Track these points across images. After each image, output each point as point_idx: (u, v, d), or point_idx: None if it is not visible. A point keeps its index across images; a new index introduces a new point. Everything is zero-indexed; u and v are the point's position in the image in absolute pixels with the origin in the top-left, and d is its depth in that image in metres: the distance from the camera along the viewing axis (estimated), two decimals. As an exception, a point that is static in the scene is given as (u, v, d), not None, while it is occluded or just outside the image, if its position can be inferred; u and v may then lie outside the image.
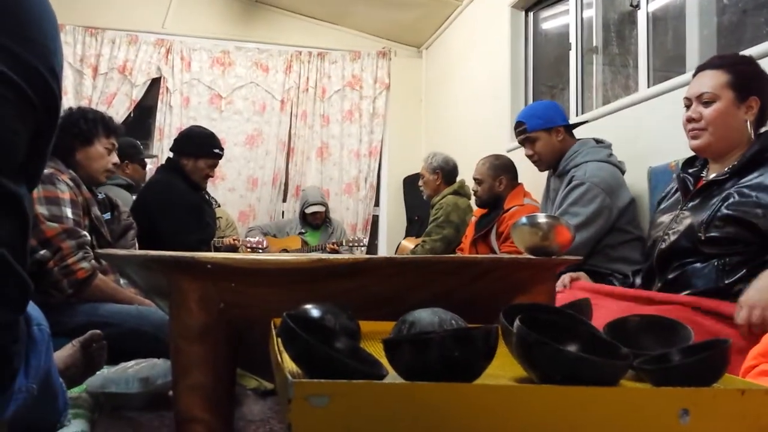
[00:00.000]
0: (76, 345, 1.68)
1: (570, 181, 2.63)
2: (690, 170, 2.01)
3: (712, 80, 1.89)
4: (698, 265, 1.83)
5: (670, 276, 1.90)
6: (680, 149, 2.06)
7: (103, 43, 5.40)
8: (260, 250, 4.61)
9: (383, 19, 5.64)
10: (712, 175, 1.91)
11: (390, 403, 0.80)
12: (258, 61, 5.77)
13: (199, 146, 3.53)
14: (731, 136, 1.87)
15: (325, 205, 5.14)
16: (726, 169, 1.86)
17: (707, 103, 1.87)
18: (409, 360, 0.87)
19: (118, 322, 2.20)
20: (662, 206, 2.07)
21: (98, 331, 1.74)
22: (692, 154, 2.03)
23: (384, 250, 5.85)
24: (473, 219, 3.65)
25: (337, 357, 0.85)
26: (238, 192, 5.66)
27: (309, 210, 5.06)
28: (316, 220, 5.11)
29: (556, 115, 2.85)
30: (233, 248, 4.49)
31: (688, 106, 1.93)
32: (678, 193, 2.00)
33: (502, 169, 3.46)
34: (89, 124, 2.47)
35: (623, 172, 2.69)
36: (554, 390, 0.84)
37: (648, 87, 3.05)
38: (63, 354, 1.62)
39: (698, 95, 1.89)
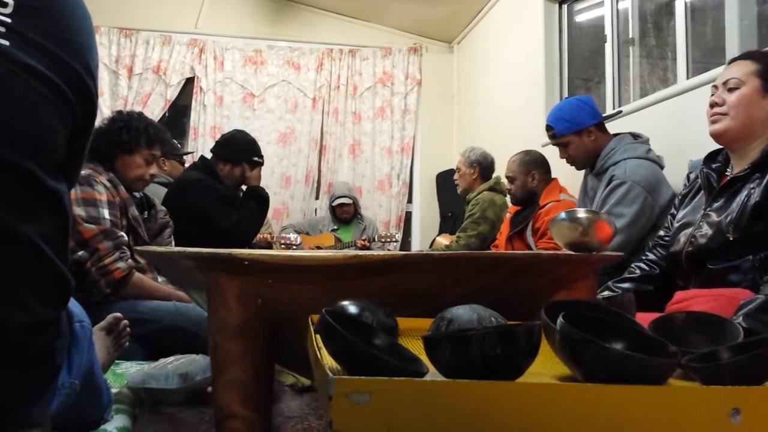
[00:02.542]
0: (98, 332, 1.69)
1: (610, 181, 2.58)
2: (713, 165, 1.96)
3: (741, 68, 1.87)
4: (733, 263, 1.78)
5: (706, 276, 1.85)
6: (721, 142, 2.02)
7: (137, 44, 5.47)
8: (294, 247, 4.63)
9: (414, 14, 5.62)
10: (735, 172, 1.86)
11: (431, 401, 0.79)
12: (290, 59, 5.79)
13: (242, 153, 3.49)
14: (752, 125, 1.83)
15: (352, 198, 5.14)
16: (747, 165, 1.81)
17: (732, 90, 1.84)
18: (450, 357, 0.86)
19: (157, 319, 2.23)
20: (684, 206, 2.02)
21: (118, 314, 1.75)
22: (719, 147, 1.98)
23: (417, 247, 5.83)
24: (508, 215, 3.61)
25: (377, 354, 0.84)
26: (271, 190, 5.66)
27: (335, 203, 5.09)
28: (344, 214, 5.12)
29: (584, 115, 2.79)
30: (268, 244, 4.52)
31: (713, 94, 1.90)
32: (701, 191, 1.95)
33: (533, 165, 3.42)
34: (132, 134, 2.46)
35: (662, 168, 2.64)
36: (600, 389, 0.82)
37: (687, 79, 2.98)
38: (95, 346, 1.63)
39: (724, 81, 1.87)
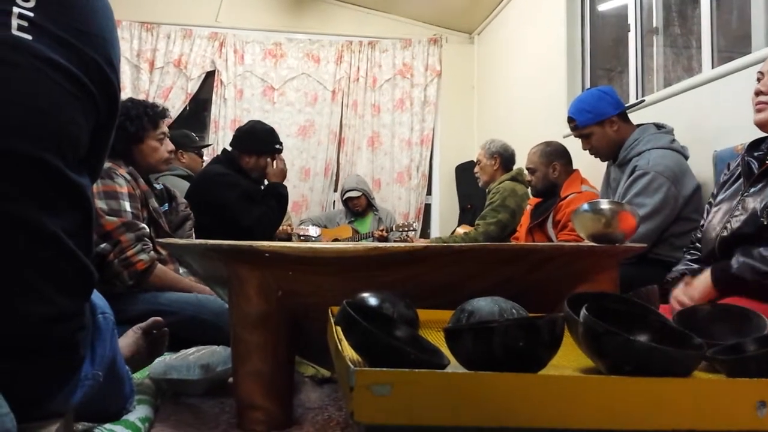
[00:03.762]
0: (138, 332, 1.71)
1: (633, 171, 2.55)
2: (755, 153, 1.92)
3: None
4: (763, 250, 1.75)
5: None
6: (746, 132, 1.97)
7: (158, 38, 5.49)
8: (313, 239, 4.64)
9: (434, 5, 5.58)
10: None
11: (453, 392, 0.78)
12: (309, 52, 5.78)
13: (264, 144, 3.51)
14: None
15: (362, 190, 5.12)
16: None
17: None
18: (472, 349, 0.85)
19: (178, 310, 2.24)
20: (723, 191, 1.99)
21: (159, 318, 1.77)
22: (758, 136, 1.94)
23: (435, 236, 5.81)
24: (528, 207, 3.59)
25: (399, 346, 0.84)
26: (291, 182, 5.67)
27: (345, 196, 5.10)
28: (356, 207, 5.12)
29: (606, 105, 2.76)
30: (288, 236, 4.54)
31: (759, 80, 1.85)
32: (741, 179, 1.92)
33: (554, 156, 3.38)
34: (135, 123, 2.46)
35: (687, 158, 2.60)
36: (624, 381, 0.81)
37: (712, 68, 2.93)
38: (126, 341, 1.65)
39: None
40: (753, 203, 1.78)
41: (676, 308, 1.76)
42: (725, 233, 1.85)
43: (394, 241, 4.70)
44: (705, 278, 1.80)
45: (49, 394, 1.02)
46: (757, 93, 1.83)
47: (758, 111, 1.83)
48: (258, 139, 3.52)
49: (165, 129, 2.59)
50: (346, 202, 5.15)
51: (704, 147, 2.63)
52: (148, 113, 2.52)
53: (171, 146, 2.61)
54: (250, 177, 3.50)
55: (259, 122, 3.75)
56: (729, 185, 1.97)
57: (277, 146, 3.56)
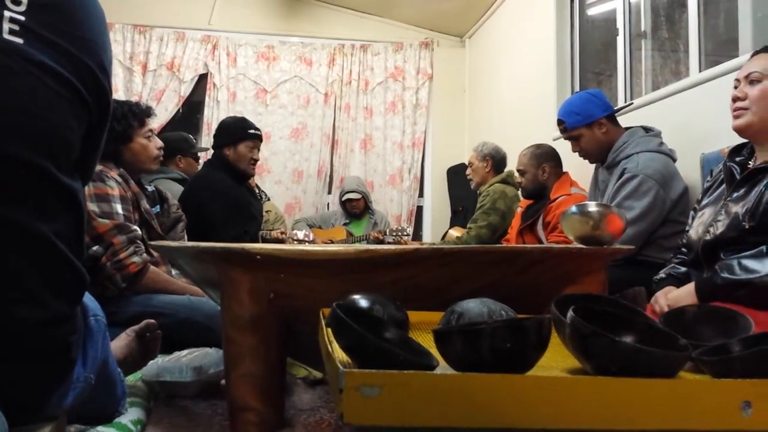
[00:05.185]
0: (131, 334, 1.72)
1: (622, 174, 2.57)
2: (737, 158, 1.95)
3: (763, 62, 1.84)
4: (744, 260, 1.77)
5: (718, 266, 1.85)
6: (733, 135, 1.99)
7: (151, 41, 5.48)
8: (307, 243, 4.64)
9: (426, 9, 5.60)
10: (757, 163, 1.85)
11: (442, 394, 0.79)
12: (302, 55, 5.79)
13: (234, 131, 3.51)
14: None
15: (362, 193, 5.15)
16: None
17: (754, 83, 1.82)
18: (461, 351, 0.86)
19: (171, 313, 2.25)
20: (706, 197, 2.01)
21: (153, 321, 1.77)
22: (743, 140, 1.97)
23: (428, 241, 5.83)
24: (519, 209, 3.61)
25: (388, 347, 0.85)
26: (284, 185, 5.71)
27: (344, 198, 5.12)
28: (354, 209, 5.14)
29: (595, 107, 2.78)
30: (280, 242, 4.54)
31: (736, 87, 1.88)
32: (723, 184, 1.94)
33: (544, 158, 3.41)
34: (122, 123, 2.47)
35: (675, 161, 2.62)
36: (610, 382, 0.82)
37: (699, 72, 2.95)
38: (119, 343, 1.66)
39: (746, 75, 1.84)
40: (735, 208, 1.80)
41: (657, 312, 1.78)
42: (708, 237, 1.87)
43: (388, 243, 4.72)
44: (689, 291, 1.83)
45: (41, 397, 1.03)
46: (734, 99, 1.86)
47: (736, 117, 1.85)
48: (229, 131, 3.53)
49: (152, 126, 2.60)
50: (345, 203, 5.17)
51: (692, 150, 2.65)
52: (133, 111, 2.52)
53: (159, 143, 2.62)
54: (241, 173, 3.49)
55: (229, 116, 3.80)
56: (712, 191, 2.00)
57: (252, 131, 3.52)
